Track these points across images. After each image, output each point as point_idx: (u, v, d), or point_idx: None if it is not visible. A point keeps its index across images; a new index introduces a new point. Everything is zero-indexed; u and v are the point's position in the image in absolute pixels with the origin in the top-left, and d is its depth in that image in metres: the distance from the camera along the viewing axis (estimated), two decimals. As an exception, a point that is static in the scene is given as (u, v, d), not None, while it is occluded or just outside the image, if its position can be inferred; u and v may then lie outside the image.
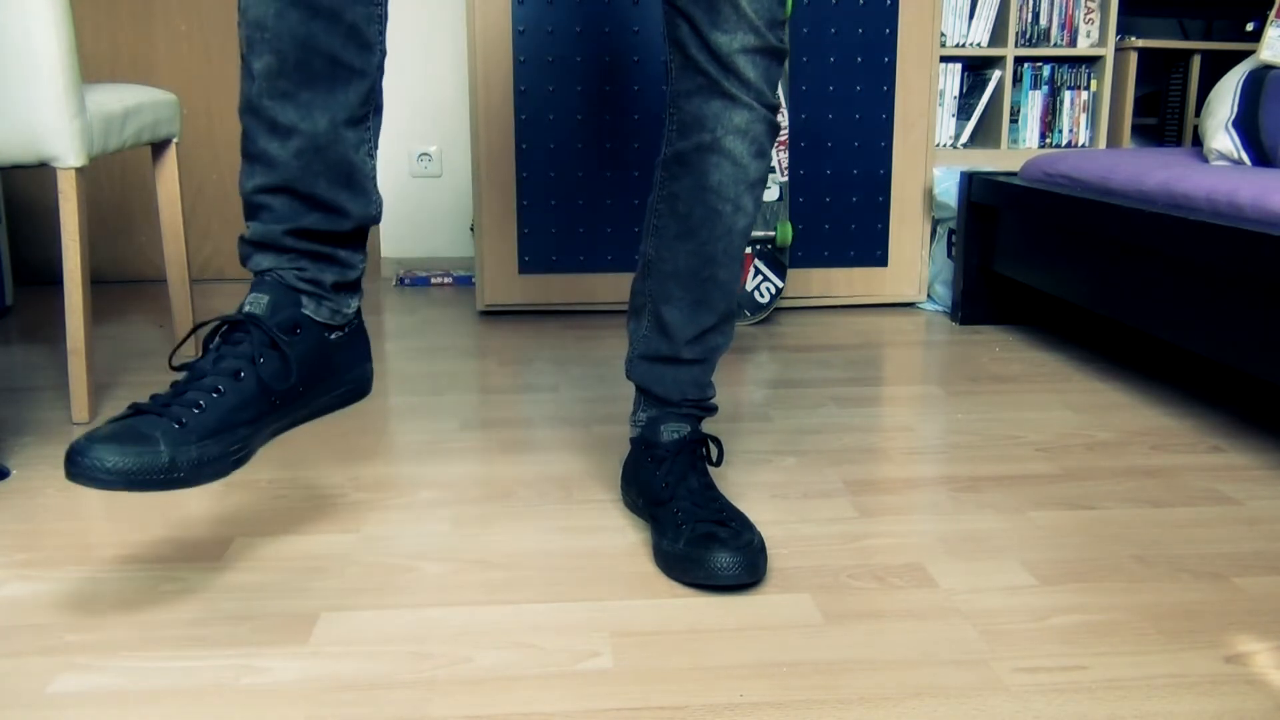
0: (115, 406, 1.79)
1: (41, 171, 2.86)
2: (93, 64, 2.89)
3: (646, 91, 2.43)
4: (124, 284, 2.98)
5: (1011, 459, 1.53)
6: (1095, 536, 1.27)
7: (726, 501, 1.22)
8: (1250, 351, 1.54)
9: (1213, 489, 1.42)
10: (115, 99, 1.78)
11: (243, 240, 1.07)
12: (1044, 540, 1.25)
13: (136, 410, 0.98)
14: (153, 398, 1.00)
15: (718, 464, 1.28)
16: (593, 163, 2.46)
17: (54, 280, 2.96)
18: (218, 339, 1.04)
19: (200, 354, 1.04)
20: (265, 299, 1.04)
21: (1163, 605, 1.09)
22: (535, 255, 2.49)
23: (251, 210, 1.05)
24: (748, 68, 1.13)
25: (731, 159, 1.17)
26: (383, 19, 1.04)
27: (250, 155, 1.03)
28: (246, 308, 1.04)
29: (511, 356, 2.14)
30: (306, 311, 1.06)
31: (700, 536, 1.13)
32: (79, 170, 1.65)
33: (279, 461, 1.52)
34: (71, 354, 1.68)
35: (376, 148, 1.09)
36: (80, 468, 0.91)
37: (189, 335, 1.06)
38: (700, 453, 1.27)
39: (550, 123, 2.43)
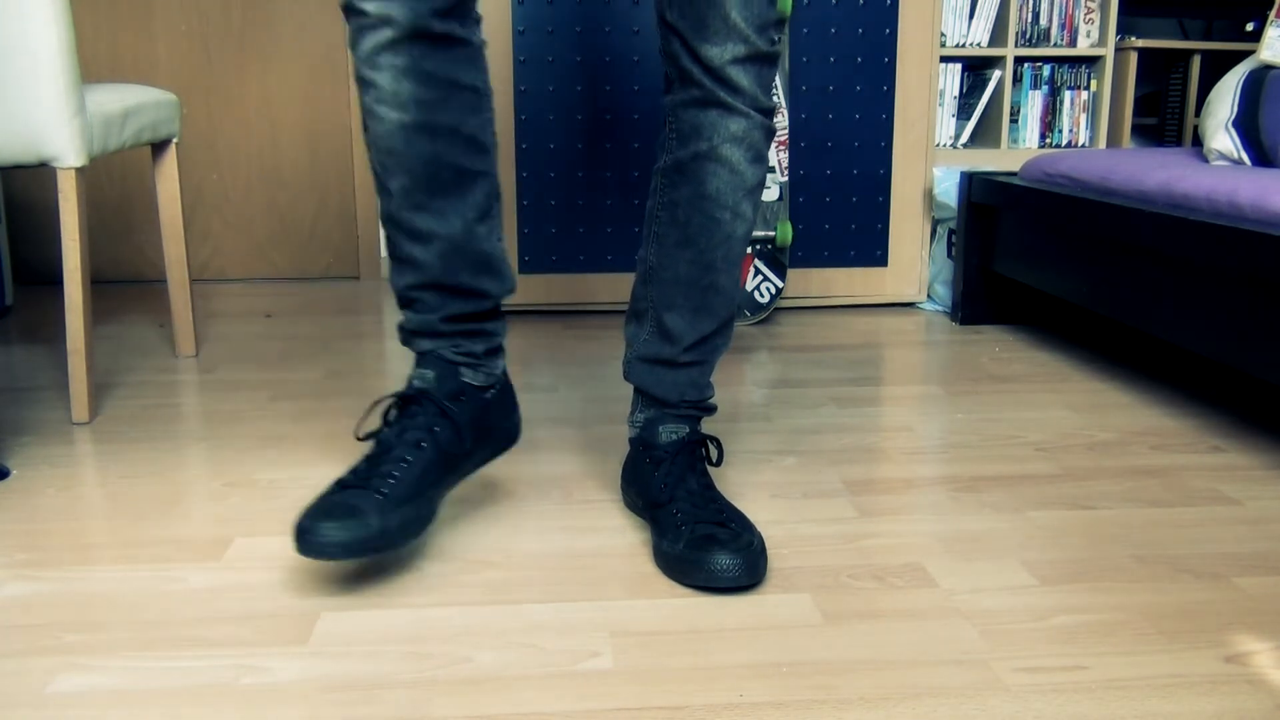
0: (115, 406, 1.79)
1: (41, 171, 2.87)
2: (93, 64, 2.89)
3: (646, 91, 2.43)
4: (124, 284, 2.98)
5: (1011, 459, 1.53)
6: (1095, 536, 1.27)
7: (726, 502, 1.22)
8: (1250, 351, 1.54)
9: (1213, 489, 1.42)
10: (115, 99, 1.78)
11: (402, 328, 1.22)
12: (1044, 540, 1.25)
13: (342, 485, 1.11)
14: (353, 472, 1.13)
15: (718, 464, 1.28)
16: (593, 163, 2.46)
17: (54, 280, 2.96)
18: (394, 413, 1.18)
19: (380, 426, 1.19)
20: (431, 374, 1.19)
21: (1163, 605, 1.09)
22: (535, 255, 2.49)
23: (405, 302, 1.20)
24: (740, 77, 1.14)
25: (729, 167, 1.17)
26: (493, 119, 1.19)
27: (398, 258, 1.18)
28: (416, 384, 1.19)
29: (511, 356, 2.14)
30: (465, 379, 1.21)
31: (700, 538, 1.13)
32: (79, 170, 1.65)
33: (279, 461, 1.52)
34: (71, 354, 1.68)
35: (502, 228, 1.22)
36: (310, 545, 1.04)
37: (369, 411, 1.21)
38: (699, 454, 1.27)
39: (550, 123, 2.43)
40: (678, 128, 1.19)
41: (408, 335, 1.22)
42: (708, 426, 1.65)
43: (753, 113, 1.16)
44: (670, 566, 1.15)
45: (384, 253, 3.07)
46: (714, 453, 1.29)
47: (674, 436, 1.26)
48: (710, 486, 1.24)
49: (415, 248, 1.16)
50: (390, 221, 1.16)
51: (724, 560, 1.10)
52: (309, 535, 1.04)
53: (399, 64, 1.09)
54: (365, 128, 1.14)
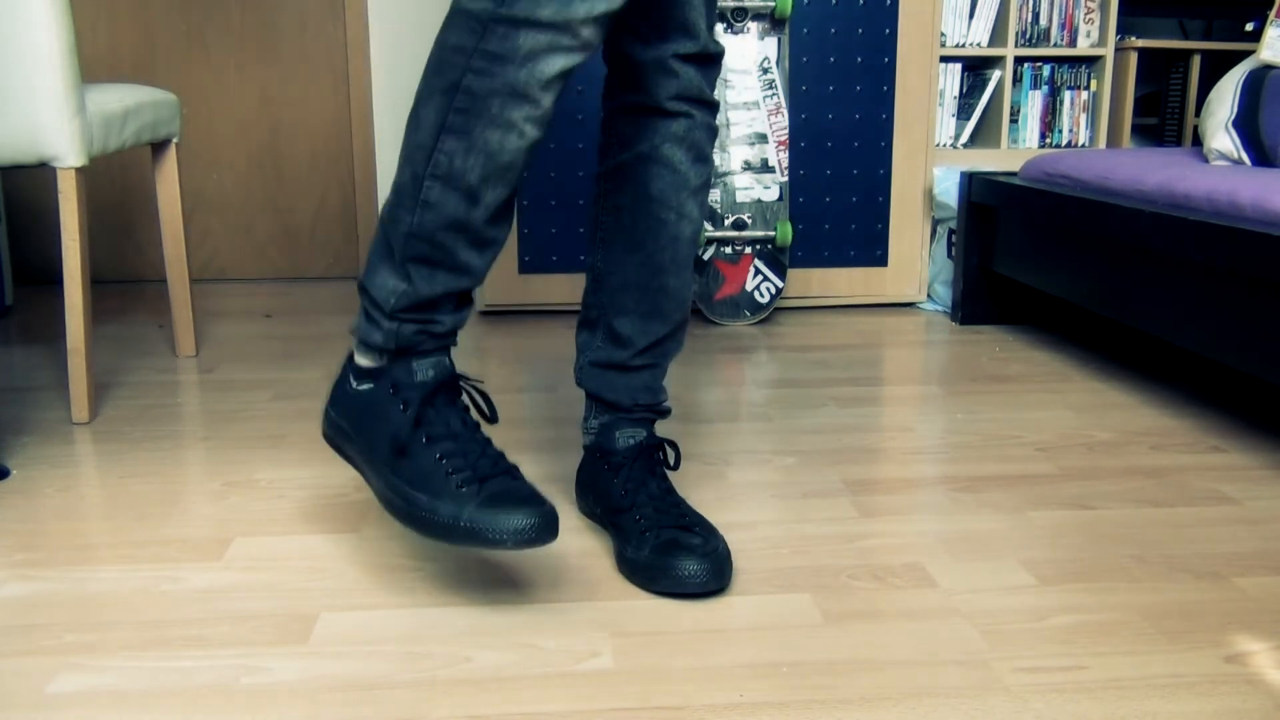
0: (115, 406, 1.79)
1: (41, 171, 2.87)
2: (93, 64, 2.89)
3: (646, 91, 2.43)
4: (124, 284, 2.98)
5: (1011, 459, 1.53)
6: (1095, 536, 1.27)
7: (688, 506, 1.22)
8: (1250, 351, 1.54)
9: (1213, 489, 1.42)
10: (115, 99, 1.78)
11: (423, 331, 1.12)
12: (1044, 540, 1.25)
13: (492, 475, 1.06)
14: (489, 465, 1.08)
15: (675, 468, 1.28)
16: (593, 163, 2.45)
17: (54, 280, 2.96)
18: (438, 404, 1.12)
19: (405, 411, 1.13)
20: (447, 361, 1.14)
21: (1163, 605, 1.09)
22: (535, 255, 2.49)
23: (429, 305, 1.12)
24: (685, 74, 1.15)
25: (670, 167, 1.18)
26: None
27: (444, 265, 1.10)
28: (445, 367, 1.13)
29: (511, 356, 2.14)
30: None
31: (665, 544, 1.13)
32: (79, 170, 1.65)
33: (279, 461, 1.52)
34: (71, 354, 1.68)
35: None
36: (490, 539, 1.01)
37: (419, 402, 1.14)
38: (658, 458, 1.27)
39: (550, 123, 2.42)
40: (618, 130, 1.20)
41: (422, 337, 1.13)
42: (703, 429, 1.65)
43: (694, 112, 1.17)
44: (636, 573, 1.14)
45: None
46: (671, 456, 1.28)
47: (631, 441, 1.25)
48: (671, 491, 1.24)
49: (474, 255, 1.12)
50: (461, 230, 1.09)
51: (691, 565, 1.10)
52: (491, 532, 1.02)
53: (560, 89, 1.07)
54: (478, 142, 1.06)
